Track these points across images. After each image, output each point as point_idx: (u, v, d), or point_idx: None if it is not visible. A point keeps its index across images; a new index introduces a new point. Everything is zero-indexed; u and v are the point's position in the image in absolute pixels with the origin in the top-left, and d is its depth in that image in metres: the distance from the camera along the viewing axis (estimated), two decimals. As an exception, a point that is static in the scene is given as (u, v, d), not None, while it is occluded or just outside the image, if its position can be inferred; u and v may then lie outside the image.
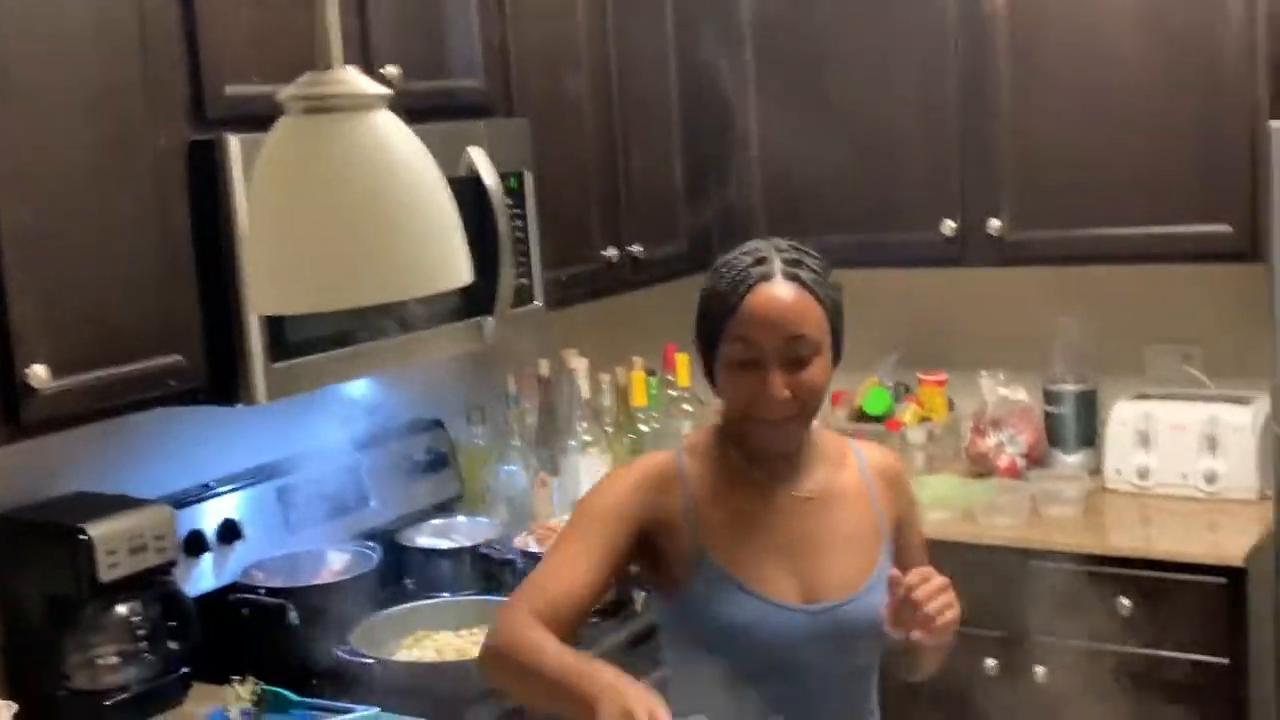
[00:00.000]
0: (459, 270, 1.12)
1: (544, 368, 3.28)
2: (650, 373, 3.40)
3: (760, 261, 1.83)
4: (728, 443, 1.92)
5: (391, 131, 1.10)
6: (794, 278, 1.82)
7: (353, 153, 1.05)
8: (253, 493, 2.78)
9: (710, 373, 1.90)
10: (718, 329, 1.84)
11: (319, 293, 1.04)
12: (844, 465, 1.97)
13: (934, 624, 1.80)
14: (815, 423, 1.94)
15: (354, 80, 1.09)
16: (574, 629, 1.82)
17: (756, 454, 1.90)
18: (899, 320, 3.76)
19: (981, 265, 3.39)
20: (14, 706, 2.13)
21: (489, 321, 2.80)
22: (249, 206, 1.11)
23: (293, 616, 2.56)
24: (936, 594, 1.81)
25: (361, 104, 1.07)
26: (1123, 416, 3.31)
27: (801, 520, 1.90)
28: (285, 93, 1.08)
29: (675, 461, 1.93)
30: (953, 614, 1.84)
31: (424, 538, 3.00)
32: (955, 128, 3.33)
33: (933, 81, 3.35)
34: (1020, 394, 3.48)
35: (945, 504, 3.27)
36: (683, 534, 1.87)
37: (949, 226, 3.35)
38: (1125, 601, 3.00)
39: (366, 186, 1.05)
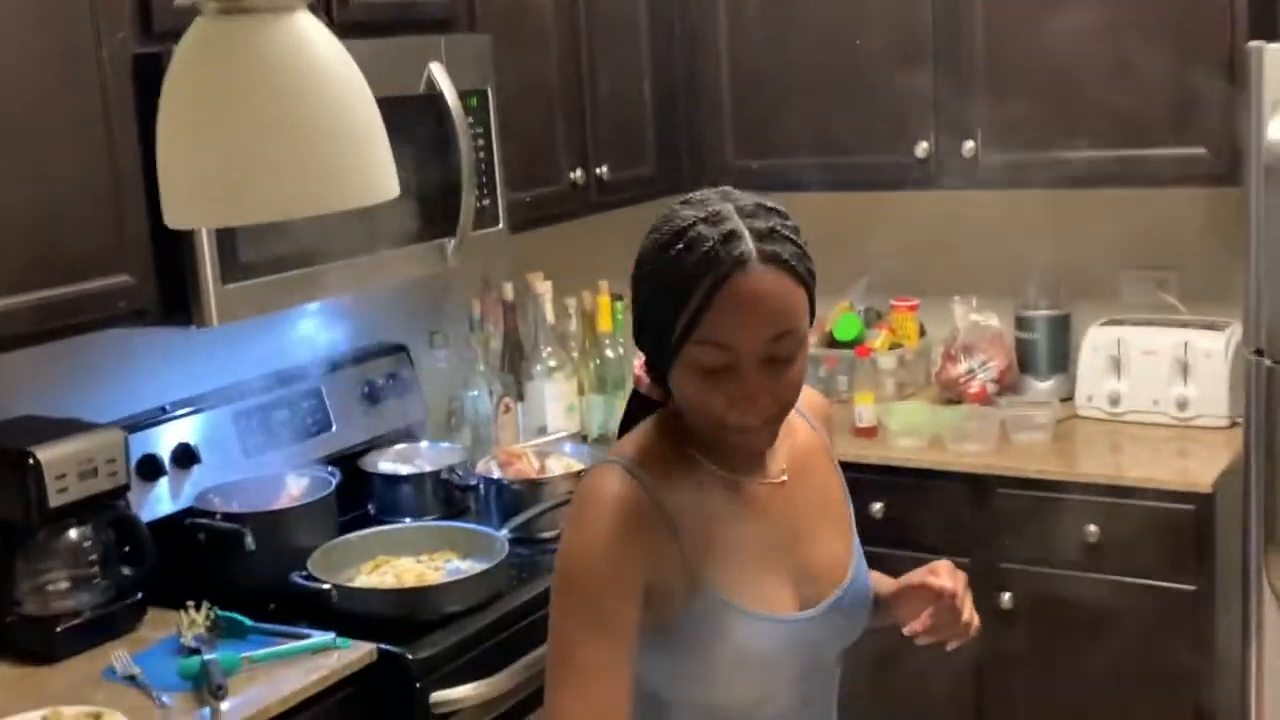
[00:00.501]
0: (384, 183, 1.07)
1: (508, 291, 3.23)
2: (617, 297, 3.35)
3: (729, 238, 1.45)
4: (681, 439, 1.58)
5: (311, 35, 1.03)
6: (773, 259, 1.46)
7: (269, 57, 0.99)
8: (210, 416, 2.73)
9: (657, 365, 1.55)
10: (677, 324, 1.48)
11: (232, 206, 0.98)
12: (793, 424, 1.64)
13: (969, 632, 1.64)
14: None
15: (271, -22, 1.03)
16: None
17: (725, 454, 1.59)
18: (871, 244, 3.70)
19: (955, 188, 3.34)
20: (-42, 632, 2.10)
21: (450, 244, 2.74)
22: (160, 114, 1.05)
23: (249, 542, 2.52)
24: (967, 596, 1.64)
25: (279, 5, 1.01)
26: (1095, 342, 3.27)
27: (779, 509, 1.62)
28: (197, -8, 1.02)
29: (641, 489, 1.54)
30: (976, 617, 1.67)
31: (386, 463, 2.96)
32: (929, 47, 3.25)
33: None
34: (993, 320, 3.44)
35: (915, 430, 3.24)
36: (675, 567, 1.53)
37: (922, 148, 3.29)
38: (1093, 528, 2.99)
39: (282, 93, 0.99)
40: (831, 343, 3.57)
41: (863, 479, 3.19)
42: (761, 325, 1.46)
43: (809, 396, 1.71)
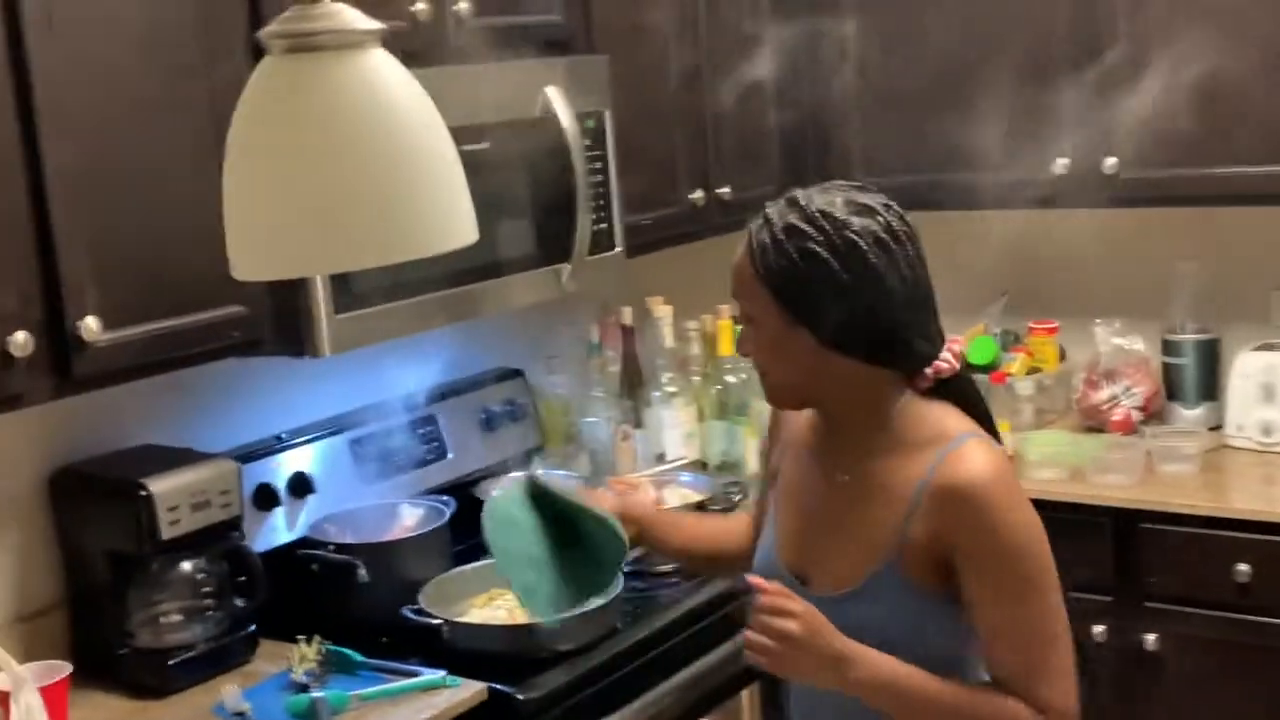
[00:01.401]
0: (460, 229, 1.00)
1: (627, 315, 3.16)
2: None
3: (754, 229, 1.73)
4: None
5: (385, 74, 0.97)
6: (751, 242, 1.69)
7: (339, 98, 0.93)
8: (325, 444, 2.71)
9: None
10: None
11: (299, 256, 0.93)
12: (912, 462, 1.68)
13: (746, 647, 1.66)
14: (911, 401, 1.70)
15: (342, 14, 0.97)
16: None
17: (818, 422, 1.81)
18: (1007, 264, 3.55)
19: (1096, 206, 3.18)
20: (67, 667, 2.08)
21: (566, 269, 2.68)
22: (226, 159, 0.99)
23: (362, 574, 2.49)
24: (766, 620, 1.61)
25: (350, 41, 0.95)
26: (1246, 368, 3.09)
27: (828, 501, 1.76)
28: (264, 30, 0.96)
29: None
30: (757, 658, 1.64)
31: (502, 491, 2.90)
32: (1067, 58, 3.11)
33: (1041, 8, 3.13)
34: (1137, 344, 3.27)
35: (1054, 461, 3.09)
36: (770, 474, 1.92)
37: (1061, 164, 3.14)
38: (1244, 567, 2.81)
39: (353, 136, 0.93)
40: (965, 367, 3.43)
41: (997, 511, 3.06)
42: (731, 284, 1.75)
43: (953, 467, 1.66)
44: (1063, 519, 2.99)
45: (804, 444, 1.83)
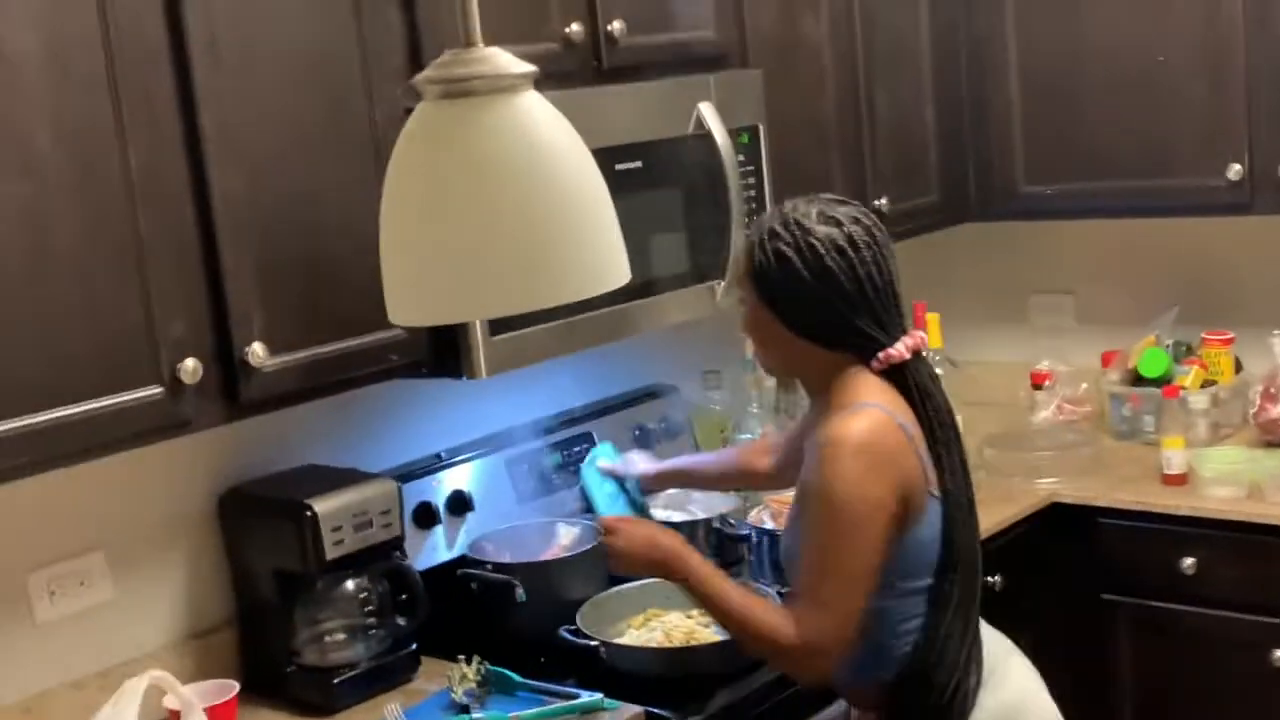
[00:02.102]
0: (613, 271, 0.99)
1: (783, 331, 3.12)
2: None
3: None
4: None
5: (536, 116, 0.97)
6: (751, 234, 2.05)
7: (492, 143, 0.93)
8: (483, 463, 2.74)
9: None
10: None
11: (453, 304, 0.92)
12: (826, 422, 2.00)
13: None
14: (854, 376, 2.00)
15: (495, 59, 0.96)
16: None
17: None
18: (1180, 273, 3.44)
19: (1272, 213, 3.04)
20: (235, 686, 2.14)
21: (719, 285, 2.66)
22: (384, 204, 0.99)
23: (520, 593, 2.50)
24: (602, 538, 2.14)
25: (502, 86, 0.94)
26: None
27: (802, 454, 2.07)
28: (420, 76, 0.96)
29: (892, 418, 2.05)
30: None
31: (658, 509, 2.89)
32: (1240, 58, 2.98)
33: (1213, 6, 3.01)
34: (1318, 354, 3.13)
35: (1230, 478, 2.96)
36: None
37: (1235, 170, 3.02)
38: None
39: (506, 180, 0.92)
40: (1137, 380, 3.32)
41: (1171, 531, 2.96)
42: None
43: (829, 425, 1.97)
44: (1241, 539, 2.89)
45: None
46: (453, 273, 0.93)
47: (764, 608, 2.01)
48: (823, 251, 1.96)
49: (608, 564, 2.18)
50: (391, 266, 0.98)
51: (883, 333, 2.00)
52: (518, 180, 0.93)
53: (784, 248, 1.97)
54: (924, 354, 2.05)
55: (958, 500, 2.01)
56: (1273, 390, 3.16)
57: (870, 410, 1.96)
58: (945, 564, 2.00)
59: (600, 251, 0.98)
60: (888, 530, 1.93)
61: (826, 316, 1.99)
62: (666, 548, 2.07)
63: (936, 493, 1.99)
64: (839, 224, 1.98)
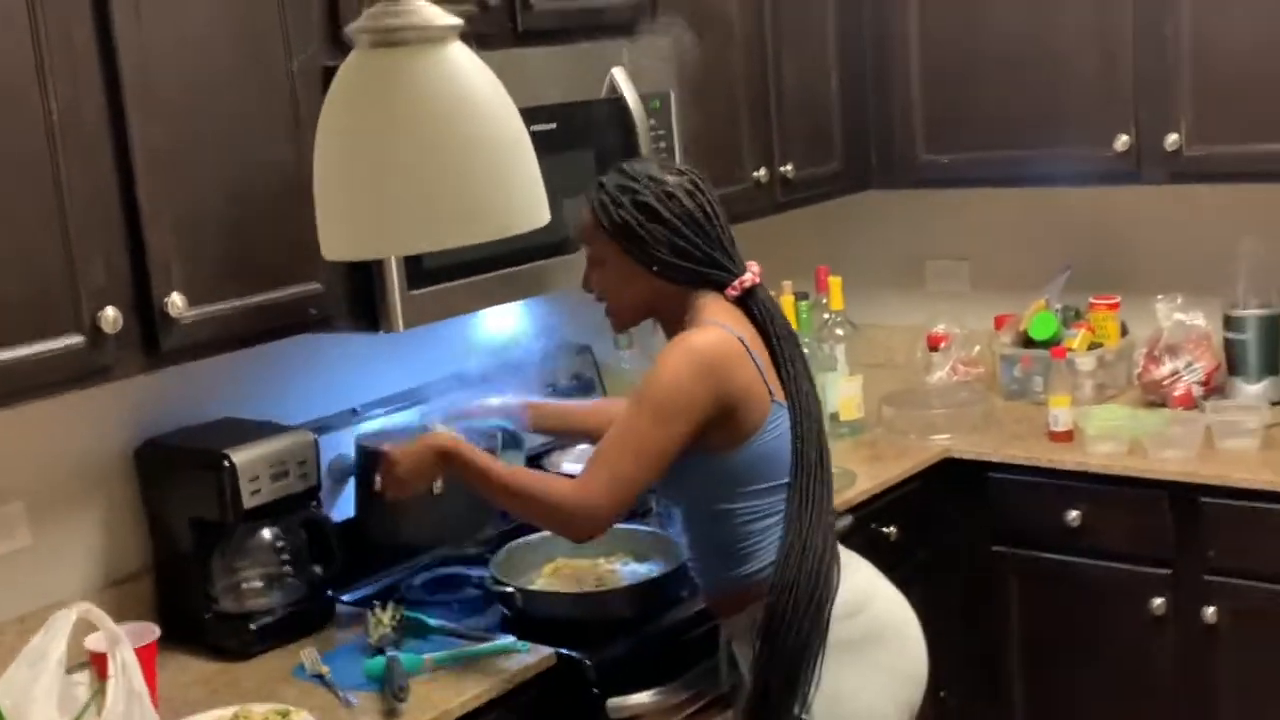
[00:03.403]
0: (536, 212, 1.06)
1: (691, 292, 3.21)
2: (801, 296, 3.31)
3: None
4: None
5: (464, 66, 1.03)
6: (593, 204, 2.21)
7: (421, 89, 0.99)
8: (399, 418, 2.79)
9: None
10: None
11: (384, 239, 0.99)
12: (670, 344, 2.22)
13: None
14: (709, 303, 2.20)
15: (423, 11, 1.03)
16: None
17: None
18: (1069, 240, 3.58)
19: (1158, 182, 3.19)
20: (156, 630, 2.18)
21: (631, 246, 2.73)
22: (317, 146, 1.06)
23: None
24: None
25: (431, 36, 1.01)
26: (1310, 344, 3.09)
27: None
28: (352, 25, 1.02)
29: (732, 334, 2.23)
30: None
31: (569, 463, 2.97)
32: (1130, 33, 3.11)
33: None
34: (1199, 319, 3.28)
35: (1113, 435, 3.11)
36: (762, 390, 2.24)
37: (1123, 141, 3.15)
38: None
39: (434, 125, 0.99)
40: (1027, 342, 3.46)
41: (1058, 485, 3.10)
42: (578, 235, 2.30)
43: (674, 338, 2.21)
44: (1122, 493, 3.04)
45: None
46: (384, 210, 0.99)
47: (541, 476, 2.33)
48: (680, 195, 2.18)
49: (391, 487, 2.27)
50: (325, 204, 1.04)
51: (732, 263, 2.23)
52: (445, 123, 1.00)
53: (646, 198, 2.17)
54: (761, 284, 2.28)
55: (801, 406, 2.20)
56: (1155, 353, 3.31)
57: (712, 327, 2.16)
58: (795, 465, 2.18)
59: (523, 193, 1.05)
60: (692, 429, 2.11)
61: (689, 253, 2.19)
62: (440, 445, 2.22)
63: (781, 400, 2.19)
64: (680, 174, 2.23)
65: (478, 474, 2.20)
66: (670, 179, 2.21)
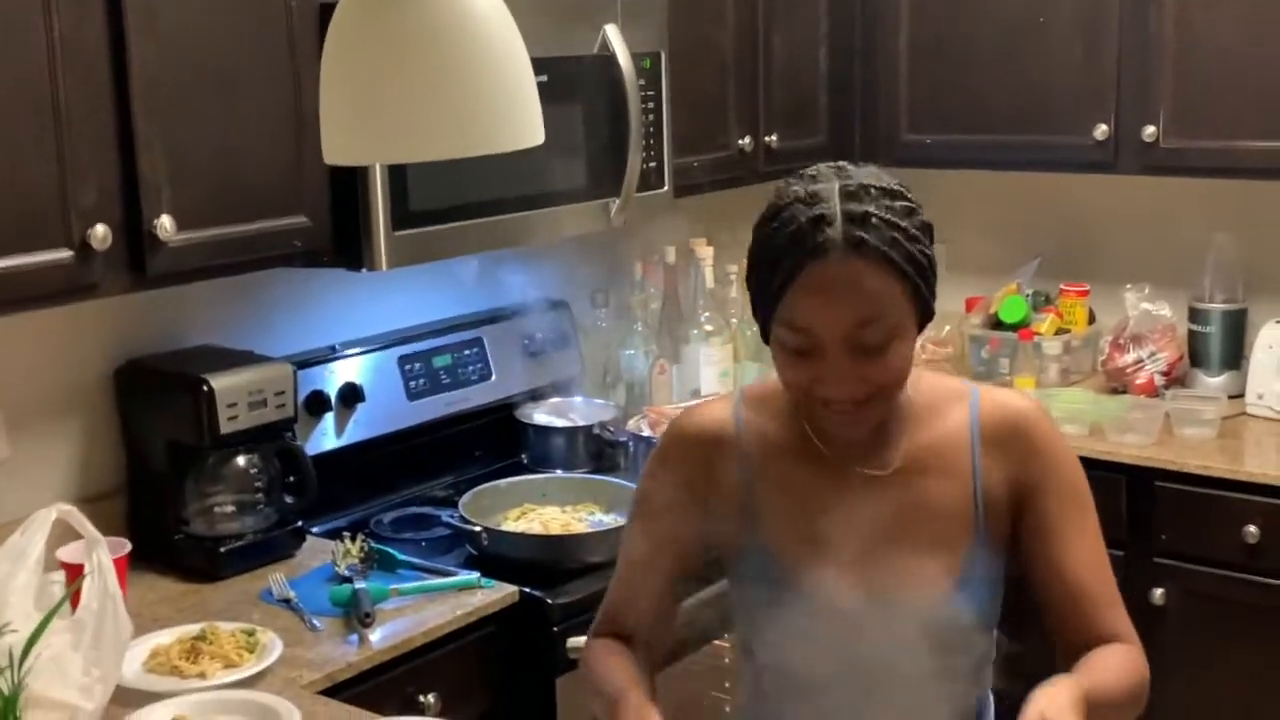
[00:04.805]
0: (531, 131, 1.10)
1: (670, 254, 3.26)
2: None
3: (817, 222, 1.45)
4: (795, 405, 1.61)
5: (469, -15, 1.08)
6: (859, 244, 1.45)
7: (428, 5, 1.04)
8: (376, 358, 2.83)
9: (762, 334, 1.58)
10: (766, 301, 1.52)
11: (387, 145, 1.03)
12: (947, 421, 1.62)
13: None
14: (916, 372, 1.59)
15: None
16: (656, 642, 1.71)
17: (823, 430, 1.60)
18: (1043, 226, 3.64)
19: (1133, 173, 3.25)
20: (127, 545, 2.22)
21: (614, 204, 2.79)
22: (324, 56, 1.10)
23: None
24: None
25: (439, -46, 1.06)
26: (1270, 339, 3.16)
27: (875, 503, 1.58)
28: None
29: (731, 415, 1.67)
30: None
31: (541, 414, 3.03)
32: (1114, 24, 3.17)
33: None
34: (1165, 310, 3.35)
35: (1075, 418, 3.17)
36: (733, 506, 1.63)
37: (1101, 131, 3.21)
38: (1253, 529, 2.89)
39: (439, 40, 1.04)
40: (997, 324, 3.52)
41: (1017, 463, 3.16)
42: (841, 313, 1.46)
43: (998, 399, 1.65)
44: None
45: (782, 460, 1.63)
46: (388, 117, 1.03)
47: (1120, 652, 1.62)
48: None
49: None
50: (330, 109, 1.09)
51: None
52: (451, 40, 1.04)
53: (922, 218, 1.53)
54: None
55: None
56: (1121, 341, 3.38)
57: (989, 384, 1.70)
58: None
59: (522, 112, 1.09)
60: None
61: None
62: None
63: None
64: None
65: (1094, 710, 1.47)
66: (896, 184, 1.55)
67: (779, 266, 1.48)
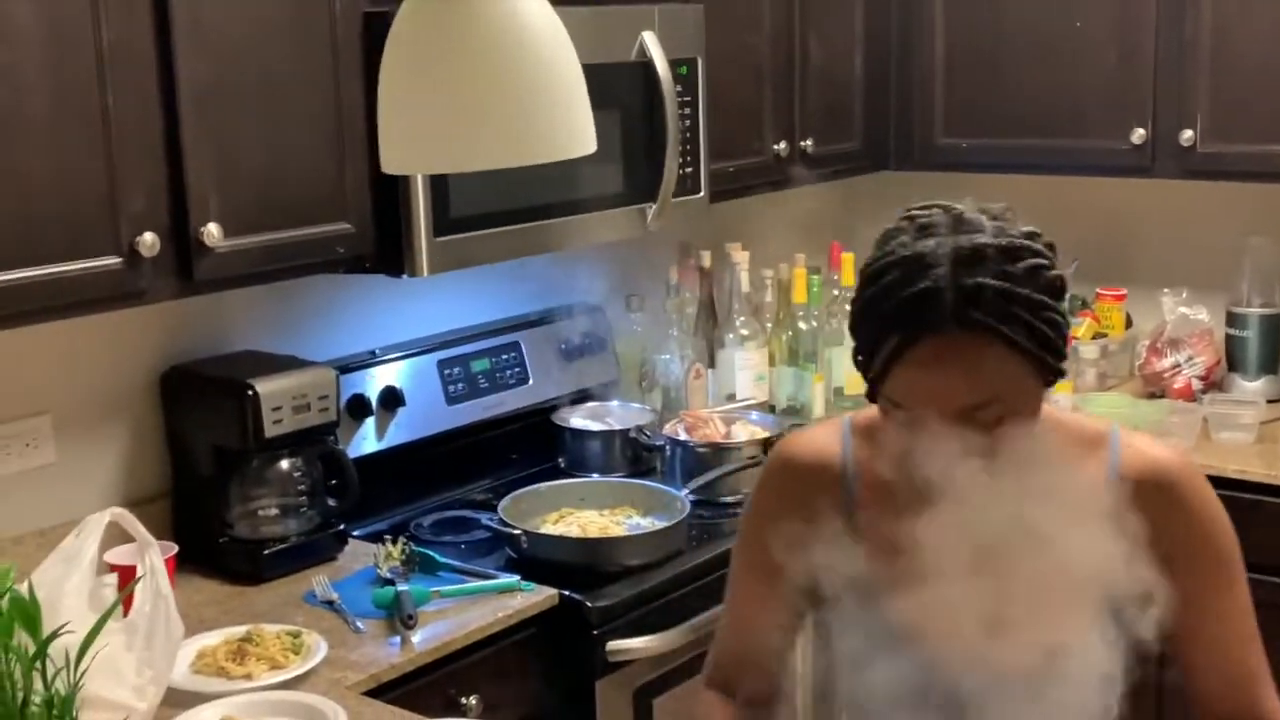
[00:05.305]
0: (584, 140, 1.12)
1: (706, 259, 3.28)
2: (814, 270, 3.37)
3: (924, 297, 1.32)
4: None
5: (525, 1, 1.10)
6: (973, 323, 1.32)
7: (485, 19, 1.06)
8: (416, 363, 2.86)
9: (871, 394, 1.47)
10: (869, 366, 1.42)
11: (444, 155, 1.05)
12: (1082, 469, 1.47)
13: None
14: (1050, 414, 1.48)
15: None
16: (767, 676, 1.62)
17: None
18: (1080, 230, 3.63)
19: (1171, 177, 3.25)
20: (174, 547, 2.25)
21: (651, 209, 2.80)
22: (383, 68, 1.12)
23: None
24: None
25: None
26: (1309, 343, 3.16)
27: (988, 554, 1.39)
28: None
29: (839, 444, 1.56)
30: None
31: (578, 419, 3.05)
32: (1151, 28, 3.17)
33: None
34: (1202, 314, 3.35)
35: (1111, 422, 3.17)
36: (834, 541, 1.48)
37: (1139, 135, 3.21)
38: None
39: (496, 52, 1.06)
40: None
41: (1053, 468, 3.16)
42: (951, 394, 1.34)
43: (1143, 451, 1.51)
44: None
45: (890, 498, 1.47)
46: (445, 128, 1.06)
47: None
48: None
49: None
50: (388, 120, 1.11)
51: None
52: (507, 52, 1.06)
53: (1052, 269, 1.40)
54: None
55: None
56: (1158, 345, 3.38)
57: (1132, 430, 1.56)
58: None
59: (575, 122, 1.11)
60: None
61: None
62: None
63: None
64: (994, 215, 1.46)
65: None
66: (1016, 227, 1.43)
67: (883, 340, 1.36)
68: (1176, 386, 3.30)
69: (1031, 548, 1.38)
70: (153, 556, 1.73)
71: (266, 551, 2.44)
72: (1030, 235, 1.41)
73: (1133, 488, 1.45)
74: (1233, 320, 3.32)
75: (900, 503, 1.43)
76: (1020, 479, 1.38)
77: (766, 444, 2.89)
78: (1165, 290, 3.39)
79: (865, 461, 1.53)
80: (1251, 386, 3.29)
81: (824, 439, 1.59)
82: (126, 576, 2.08)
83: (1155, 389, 3.35)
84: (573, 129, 1.10)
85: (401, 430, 2.79)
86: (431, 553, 2.48)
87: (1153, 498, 1.45)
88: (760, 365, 3.29)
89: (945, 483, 1.36)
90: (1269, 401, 3.23)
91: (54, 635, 1.56)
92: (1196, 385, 3.29)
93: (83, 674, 1.59)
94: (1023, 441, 1.39)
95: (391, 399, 2.78)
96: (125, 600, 1.77)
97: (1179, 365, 3.33)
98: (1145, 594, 1.41)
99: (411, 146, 1.08)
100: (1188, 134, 3.15)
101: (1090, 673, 1.46)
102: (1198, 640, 1.49)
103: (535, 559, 2.49)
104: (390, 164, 1.11)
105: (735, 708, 1.65)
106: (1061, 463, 1.45)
